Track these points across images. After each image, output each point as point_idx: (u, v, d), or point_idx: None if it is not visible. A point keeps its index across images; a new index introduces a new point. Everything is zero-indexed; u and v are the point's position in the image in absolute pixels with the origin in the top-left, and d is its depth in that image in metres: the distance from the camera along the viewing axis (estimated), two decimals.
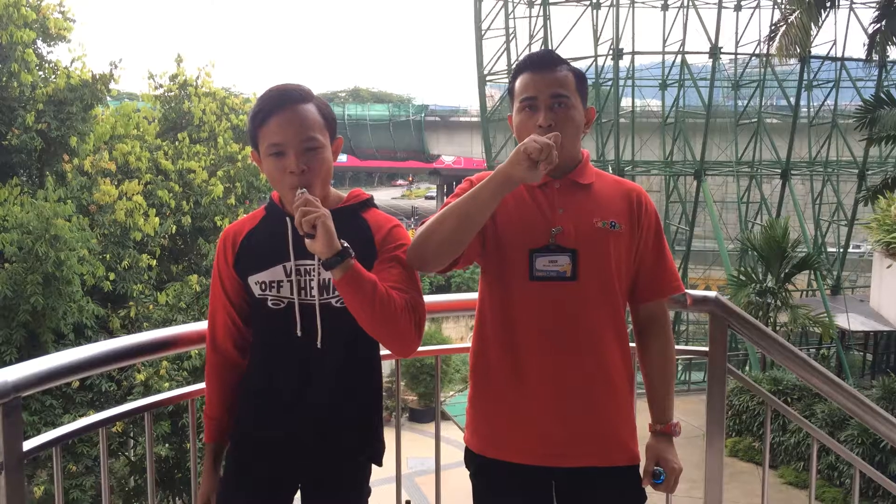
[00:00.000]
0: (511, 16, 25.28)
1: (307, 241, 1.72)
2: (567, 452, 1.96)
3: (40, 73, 12.94)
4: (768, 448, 2.65)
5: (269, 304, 1.91)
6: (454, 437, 11.15)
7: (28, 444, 1.83)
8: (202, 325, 2.14)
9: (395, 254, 1.89)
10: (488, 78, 26.25)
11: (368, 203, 2.00)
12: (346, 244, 1.72)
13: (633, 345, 2.14)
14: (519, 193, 1.97)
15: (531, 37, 24.46)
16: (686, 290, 2.40)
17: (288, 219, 1.90)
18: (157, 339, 2.19)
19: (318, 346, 1.87)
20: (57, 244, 10.47)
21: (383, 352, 2.05)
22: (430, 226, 1.84)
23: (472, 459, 2.08)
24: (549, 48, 22.25)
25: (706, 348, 2.55)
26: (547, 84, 1.94)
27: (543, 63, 1.99)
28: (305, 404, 1.91)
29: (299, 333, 1.87)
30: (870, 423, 2.44)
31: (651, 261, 2.03)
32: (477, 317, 2.09)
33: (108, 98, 14.12)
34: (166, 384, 10.64)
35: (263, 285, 1.90)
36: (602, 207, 1.98)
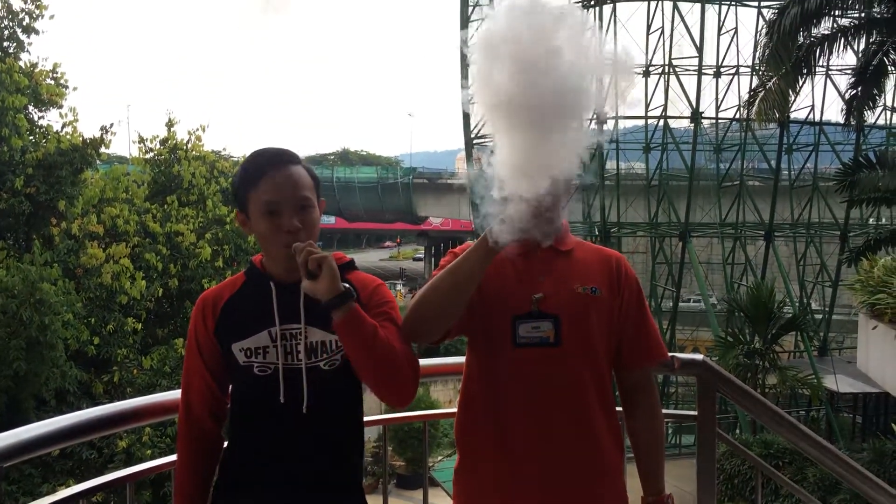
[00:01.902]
0: None
1: (307, 283, 1.71)
2: None
3: (31, 137, 13.05)
4: None
5: (256, 370, 1.87)
6: None
7: None
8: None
9: (384, 310, 1.89)
10: (475, 141, 26.64)
11: (351, 265, 2.00)
12: (347, 286, 1.73)
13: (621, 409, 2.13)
14: (501, 262, 1.96)
15: None
16: (673, 353, 2.40)
17: (272, 283, 1.89)
18: (143, 406, 2.17)
19: (304, 411, 1.85)
20: (41, 308, 10.38)
21: (370, 416, 2.02)
22: (421, 298, 1.87)
23: None
24: None
25: (695, 412, 2.54)
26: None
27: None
28: (290, 471, 1.88)
29: (282, 399, 1.84)
30: (860, 489, 2.42)
31: (634, 328, 2.03)
32: (463, 385, 2.09)
33: (98, 162, 14.22)
34: (148, 451, 10.43)
35: (248, 352, 1.87)
36: (582, 274, 1.99)
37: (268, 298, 1.88)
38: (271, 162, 1.87)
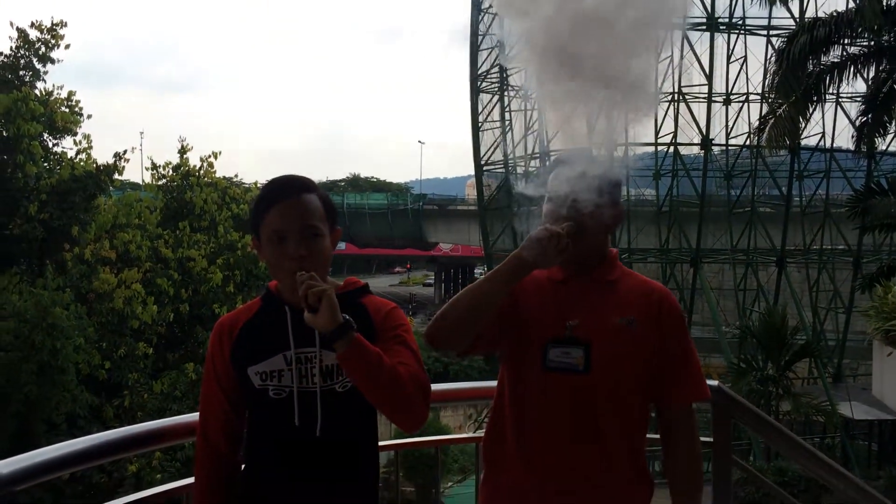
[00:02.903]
0: (507, 109, 25.99)
1: (308, 316, 1.73)
2: None
3: (45, 164, 13.18)
4: None
5: (271, 394, 1.88)
6: None
7: None
8: (196, 417, 2.09)
9: (397, 333, 1.90)
10: (485, 168, 26.75)
11: (365, 290, 2.02)
12: (347, 317, 1.75)
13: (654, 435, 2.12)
14: (542, 286, 2.01)
15: (526, 128, 25.09)
16: None
17: (287, 307, 1.90)
18: (155, 430, 2.17)
19: (317, 434, 1.86)
20: (53, 333, 10.43)
21: (382, 441, 2.02)
22: (447, 306, 1.92)
23: None
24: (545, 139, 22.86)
25: (710, 438, 2.51)
26: None
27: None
28: (306, 493, 1.88)
29: (297, 422, 1.85)
30: None
31: (674, 365, 2.01)
32: (494, 403, 2.12)
33: (111, 188, 14.34)
34: (158, 475, 10.40)
35: (263, 375, 1.88)
36: (622, 305, 1.98)
37: (283, 323, 1.89)
38: (283, 190, 1.90)
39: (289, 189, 1.90)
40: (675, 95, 22.96)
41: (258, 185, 21.62)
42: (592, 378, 1.93)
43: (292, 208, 1.87)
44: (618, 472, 1.97)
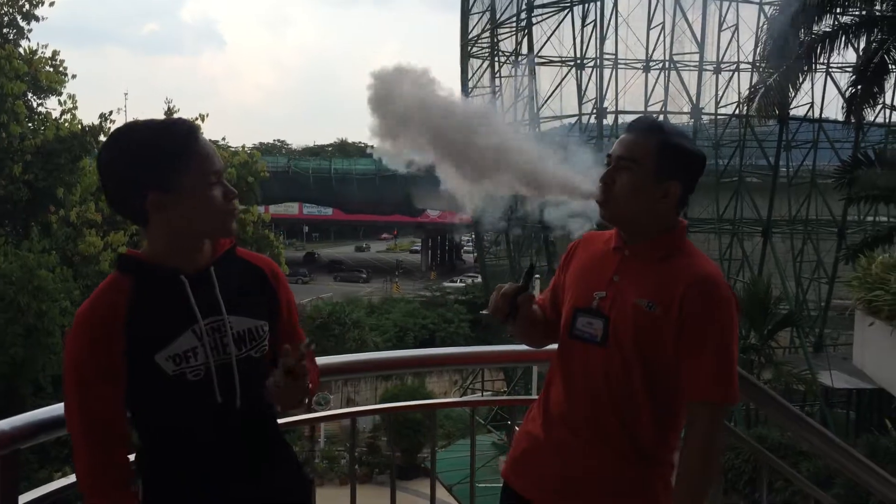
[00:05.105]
0: (497, 74, 25.80)
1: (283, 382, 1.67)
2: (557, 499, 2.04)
3: (30, 124, 13.01)
4: None
5: (190, 376, 1.65)
6: (439, 496, 10.97)
7: (23, 499, 1.81)
8: None
9: (293, 310, 1.89)
10: None
11: (235, 243, 1.81)
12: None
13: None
14: (597, 255, 2.07)
15: (517, 94, 24.95)
16: None
17: (182, 276, 1.68)
18: None
19: (238, 405, 1.70)
20: (39, 295, 10.38)
21: (369, 406, 2.03)
22: None
23: (503, 487, 2.18)
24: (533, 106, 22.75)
25: None
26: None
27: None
28: (239, 470, 1.74)
29: (220, 399, 1.66)
30: (864, 481, 2.44)
31: (690, 357, 1.91)
32: None
33: (96, 149, 14.18)
34: None
35: (178, 359, 1.63)
36: (650, 285, 1.93)
37: (181, 294, 1.66)
38: (192, 130, 1.67)
39: (196, 129, 1.69)
40: (666, 63, 22.88)
41: (245, 149, 21.39)
42: (607, 351, 1.96)
43: (210, 146, 1.69)
44: (614, 446, 1.98)
